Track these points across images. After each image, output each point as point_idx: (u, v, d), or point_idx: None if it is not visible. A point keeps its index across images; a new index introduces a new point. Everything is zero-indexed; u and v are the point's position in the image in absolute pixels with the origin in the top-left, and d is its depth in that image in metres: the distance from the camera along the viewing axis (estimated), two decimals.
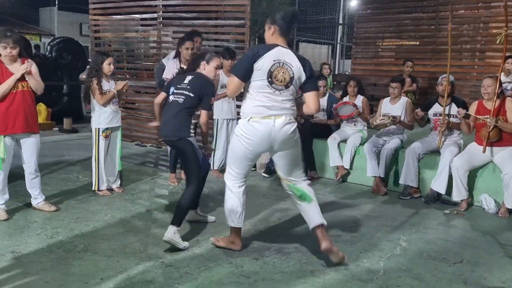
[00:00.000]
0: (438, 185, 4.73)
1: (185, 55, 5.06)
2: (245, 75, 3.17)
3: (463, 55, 7.86)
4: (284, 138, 3.17)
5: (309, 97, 3.26)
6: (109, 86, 4.60)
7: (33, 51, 10.57)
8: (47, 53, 10.19)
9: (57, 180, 5.19)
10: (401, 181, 5.05)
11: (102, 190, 4.67)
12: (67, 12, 27.92)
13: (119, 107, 4.78)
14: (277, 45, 3.17)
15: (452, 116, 4.87)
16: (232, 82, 3.25)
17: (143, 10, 7.48)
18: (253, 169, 6.03)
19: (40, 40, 25.69)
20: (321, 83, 5.94)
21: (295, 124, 3.25)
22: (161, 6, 7.20)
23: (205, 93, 3.68)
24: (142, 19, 7.56)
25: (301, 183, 3.37)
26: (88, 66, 4.62)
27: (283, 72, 3.13)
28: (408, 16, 8.39)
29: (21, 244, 3.39)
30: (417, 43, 8.29)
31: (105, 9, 7.88)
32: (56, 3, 28.60)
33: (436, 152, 4.94)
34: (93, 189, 4.67)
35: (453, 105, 4.89)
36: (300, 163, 3.41)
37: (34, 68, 3.91)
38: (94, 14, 7.95)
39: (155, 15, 7.31)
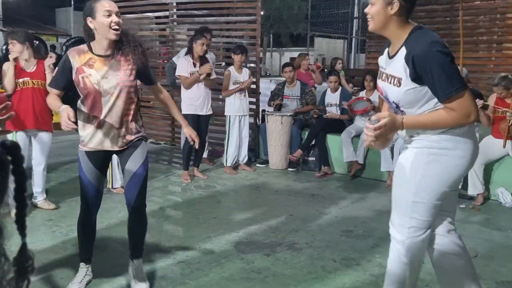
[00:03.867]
0: None
1: (199, 51, 5.09)
2: None
3: (479, 47, 7.71)
4: None
5: None
6: None
7: (49, 51, 10.72)
8: (62, 53, 10.34)
9: (73, 178, 5.25)
10: None
11: (116, 188, 4.72)
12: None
13: None
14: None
15: None
16: None
17: (155, 8, 7.52)
18: (266, 164, 6.03)
19: (57, 41, 26.07)
20: (332, 78, 5.91)
21: None
22: (174, 4, 7.23)
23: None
24: (156, 17, 7.60)
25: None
26: None
27: None
28: (422, 8, 8.24)
29: (37, 242, 3.45)
30: None
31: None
32: (72, 3, 28.97)
33: None
34: (107, 187, 4.73)
35: None
36: None
37: (51, 64, 4.00)
38: None
39: (167, 13, 7.35)
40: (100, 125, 2.64)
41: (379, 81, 2.21)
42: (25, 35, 3.95)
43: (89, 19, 2.50)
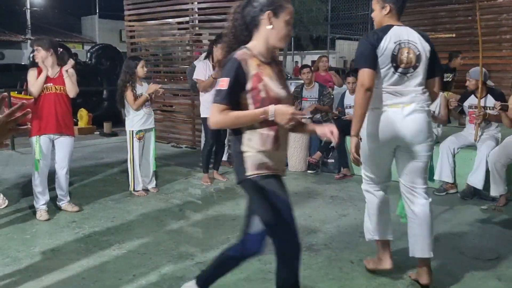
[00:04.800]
0: (474, 180, 4.60)
1: (219, 55, 5.14)
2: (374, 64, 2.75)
3: (502, 45, 7.57)
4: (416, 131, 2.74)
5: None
6: (142, 89, 4.74)
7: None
8: (87, 60, 10.59)
9: (96, 182, 5.39)
10: (436, 177, 4.94)
11: (138, 191, 4.81)
12: (107, 19, 28.89)
13: (155, 109, 4.93)
14: (392, 25, 2.77)
15: (488, 108, 4.72)
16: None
17: (176, 14, 7.65)
18: (285, 167, 6.05)
19: (83, 48, 26.70)
20: (350, 79, 5.90)
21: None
22: (196, 10, 7.34)
23: None
24: (178, 23, 7.72)
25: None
26: (122, 71, 4.76)
27: (407, 52, 2.73)
28: (443, 8, 8.15)
29: (61, 243, 3.56)
30: (453, 35, 8.05)
31: (139, 15, 8.11)
32: (97, 11, 29.62)
33: (473, 146, 4.80)
34: (129, 189, 4.83)
35: (490, 97, 4.74)
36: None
37: (71, 71, 4.12)
38: (130, 21, 8.20)
39: (187, 18, 7.46)
40: (279, 142, 2.15)
41: None
42: (49, 42, 4.08)
43: (270, 14, 2.06)
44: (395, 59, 2.72)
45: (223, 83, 2.02)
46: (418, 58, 2.74)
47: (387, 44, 2.71)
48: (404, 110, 2.72)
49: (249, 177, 2.11)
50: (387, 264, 3.01)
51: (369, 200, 3.09)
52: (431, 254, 2.84)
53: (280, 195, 2.16)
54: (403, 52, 2.72)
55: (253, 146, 2.10)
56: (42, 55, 3.99)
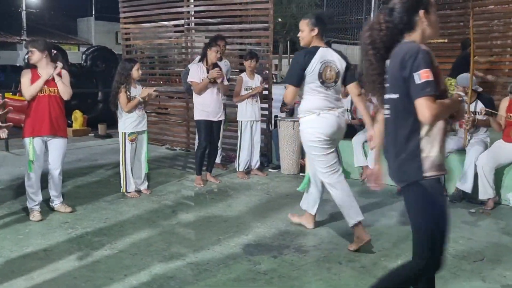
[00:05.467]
0: (463, 184, 4.67)
1: (213, 58, 5.20)
2: (299, 82, 3.58)
3: (493, 51, 7.66)
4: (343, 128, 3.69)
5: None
6: (136, 92, 4.78)
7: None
8: (82, 62, 10.61)
9: (90, 183, 5.42)
10: None
11: (130, 192, 4.85)
12: (104, 21, 28.88)
13: (150, 111, 4.97)
14: (319, 47, 3.56)
15: (478, 113, 4.79)
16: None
17: (171, 17, 7.70)
18: (278, 169, 6.11)
19: (78, 50, 26.67)
20: None
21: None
22: (192, 13, 7.39)
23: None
24: (174, 26, 7.76)
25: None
26: (117, 73, 4.80)
27: (329, 70, 3.55)
28: (436, 13, 8.24)
29: (53, 243, 3.59)
30: (446, 40, 8.13)
31: (135, 17, 8.15)
32: (93, 13, 29.62)
33: (462, 150, 4.87)
34: (122, 191, 4.87)
35: (479, 103, 4.82)
36: None
37: (64, 73, 4.15)
38: (125, 23, 8.24)
39: (182, 21, 7.51)
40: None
41: None
42: (44, 43, 4.11)
43: (423, 13, 2.05)
44: (321, 76, 3.52)
45: (427, 74, 1.93)
46: (337, 74, 3.59)
47: (315, 65, 3.49)
48: (336, 113, 3.58)
49: (427, 177, 2.02)
50: (366, 237, 3.49)
51: (336, 195, 3.65)
52: (362, 216, 3.58)
53: (446, 207, 2.11)
54: (327, 70, 3.53)
55: (435, 144, 2.03)
56: (36, 57, 4.02)
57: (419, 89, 1.93)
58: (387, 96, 2.14)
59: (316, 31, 3.55)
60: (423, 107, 1.93)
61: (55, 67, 4.11)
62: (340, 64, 3.60)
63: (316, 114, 3.54)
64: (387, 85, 2.14)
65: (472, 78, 4.59)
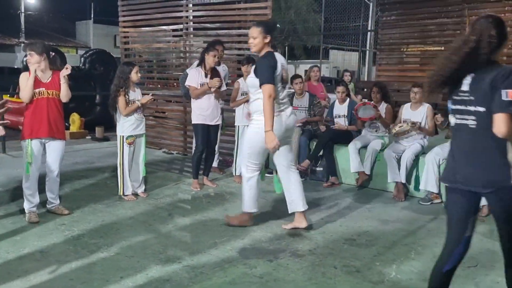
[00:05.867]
0: None
1: (211, 63, 5.23)
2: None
3: None
4: (293, 125, 4.05)
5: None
6: (134, 95, 4.81)
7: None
8: (80, 65, 10.64)
9: (87, 186, 5.44)
10: (421, 187, 5.04)
11: (127, 195, 4.86)
12: (102, 25, 28.95)
13: (148, 115, 4.99)
14: (273, 52, 3.90)
15: None
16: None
17: (170, 22, 7.73)
18: (272, 174, 6.12)
19: (77, 53, 26.70)
20: (339, 88, 6.02)
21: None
22: (191, 17, 7.44)
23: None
24: (173, 30, 7.80)
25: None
26: (116, 76, 4.82)
27: (285, 72, 3.93)
28: (432, 21, 8.34)
29: (49, 245, 3.60)
30: (442, 48, 8.22)
31: (134, 21, 8.19)
32: (92, 16, 29.68)
33: None
34: (119, 194, 4.88)
35: None
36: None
37: (66, 76, 4.17)
38: (124, 27, 8.27)
39: (181, 26, 7.55)
40: None
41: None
42: (42, 46, 4.12)
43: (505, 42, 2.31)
44: (281, 78, 3.87)
45: None
46: (288, 76, 4.05)
47: (280, 68, 3.82)
48: (287, 112, 3.93)
49: None
50: (244, 221, 4.12)
51: (252, 185, 4.07)
52: (307, 206, 4.06)
53: None
54: (284, 72, 3.89)
55: None
56: (35, 60, 4.04)
57: (503, 105, 2.13)
58: (471, 108, 2.26)
59: (268, 38, 3.85)
60: (502, 122, 2.13)
61: (66, 68, 4.14)
62: (287, 67, 4.04)
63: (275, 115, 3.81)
64: (466, 96, 2.27)
65: None
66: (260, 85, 3.75)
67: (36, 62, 4.04)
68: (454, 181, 2.36)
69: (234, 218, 4.18)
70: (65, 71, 4.13)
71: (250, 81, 3.94)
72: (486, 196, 2.32)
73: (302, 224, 4.03)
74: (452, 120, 2.38)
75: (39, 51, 4.05)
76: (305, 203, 4.06)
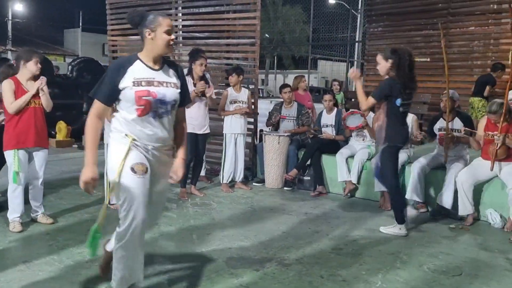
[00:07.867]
0: (444, 200, 4.76)
1: (199, 71, 5.24)
2: None
3: (474, 71, 7.88)
4: None
5: None
6: None
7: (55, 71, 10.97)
8: (68, 73, 10.57)
9: (73, 195, 5.38)
10: (407, 196, 5.08)
11: (113, 204, 4.82)
12: (90, 33, 28.88)
13: None
14: None
15: (456, 131, 4.90)
16: None
17: None
18: (262, 183, 6.14)
19: (64, 61, 26.55)
20: (327, 97, 6.06)
21: None
22: (180, 27, 7.45)
23: None
24: None
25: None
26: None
27: None
28: (418, 33, 8.47)
29: (33, 255, 3.55)
30: (428, 59, 8.34)
31: (123, 30, 8.18)
32: (80, 24, 29.59)
33: (443, 167, 4.96)
34: (105, 203, 4.82)
35: (457, 120, 4.94)
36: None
37: (45, 87, 4.15)
38: (112, 35, 8.27)
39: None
40: None
41: (151, 87, 2.66)
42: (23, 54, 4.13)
43: None
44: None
45: None
46: None
47: None
48: None
49: None
50: None
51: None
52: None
53: None
54: None
55: None
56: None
57: None
58: None
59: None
60: None
61: (40, 80, 4.11)
62: None
63: None
64: None
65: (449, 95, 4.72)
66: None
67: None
68: None
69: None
70: (38, 83, 4.09)
71: None
72: None
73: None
74: None
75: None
76: None
